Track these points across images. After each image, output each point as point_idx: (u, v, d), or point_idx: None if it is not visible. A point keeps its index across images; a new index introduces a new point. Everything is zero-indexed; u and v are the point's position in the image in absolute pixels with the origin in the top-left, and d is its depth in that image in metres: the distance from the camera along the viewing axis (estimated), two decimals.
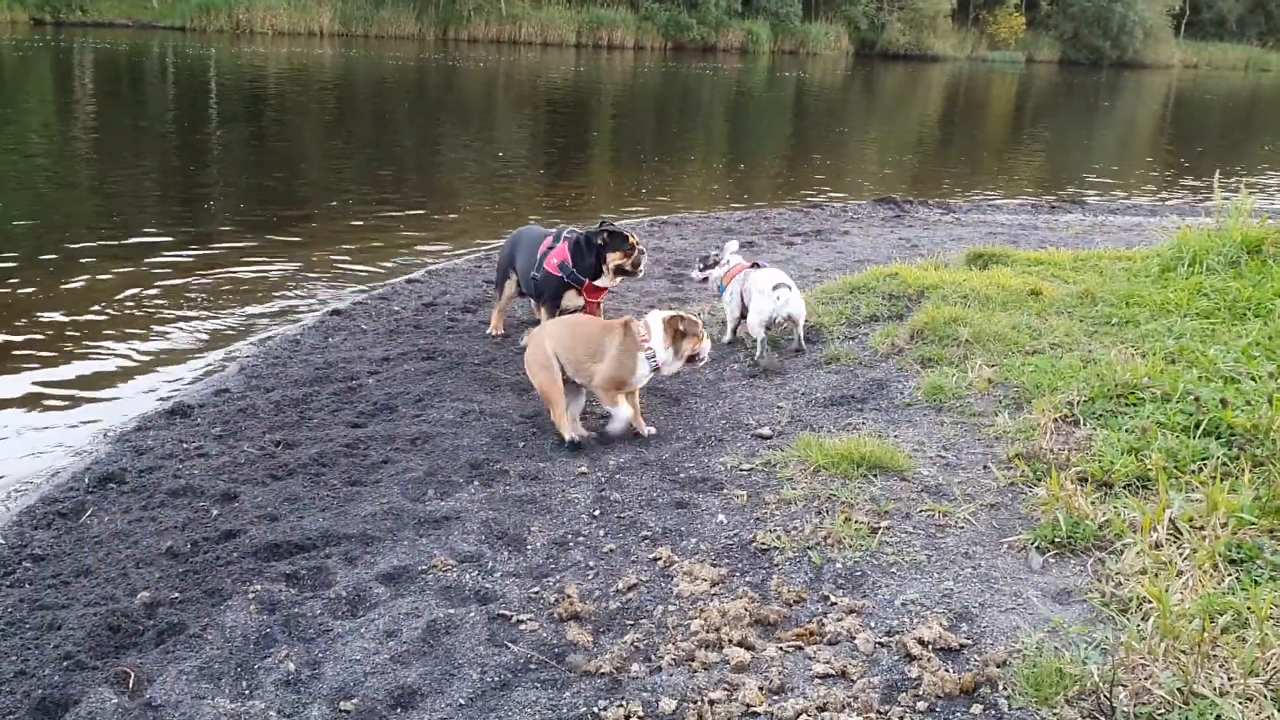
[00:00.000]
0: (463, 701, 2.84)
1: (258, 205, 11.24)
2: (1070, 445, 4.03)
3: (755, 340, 5.95)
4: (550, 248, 6.01)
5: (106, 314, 7.12)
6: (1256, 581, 2.92)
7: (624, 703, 2.76)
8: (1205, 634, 2.58)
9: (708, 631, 3.06)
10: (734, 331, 6.27)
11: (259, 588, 3.46)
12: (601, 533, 3.84)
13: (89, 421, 5.38)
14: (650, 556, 3.59)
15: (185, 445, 4.84)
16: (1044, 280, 6.60)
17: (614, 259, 5.89)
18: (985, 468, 4.06)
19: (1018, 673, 2.69)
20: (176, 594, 3.48)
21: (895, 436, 4.48)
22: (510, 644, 3.10)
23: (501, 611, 3.28)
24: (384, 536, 3.84)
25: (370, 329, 6.85)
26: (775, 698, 2.75)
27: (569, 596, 3.32)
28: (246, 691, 2.93)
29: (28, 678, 3.03)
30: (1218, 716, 2.37)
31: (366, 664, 3.02)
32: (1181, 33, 70.90)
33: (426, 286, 8.04)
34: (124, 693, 2.94)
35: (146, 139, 15.96)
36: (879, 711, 2.65)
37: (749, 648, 2.99)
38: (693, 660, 2.95)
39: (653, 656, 2.99)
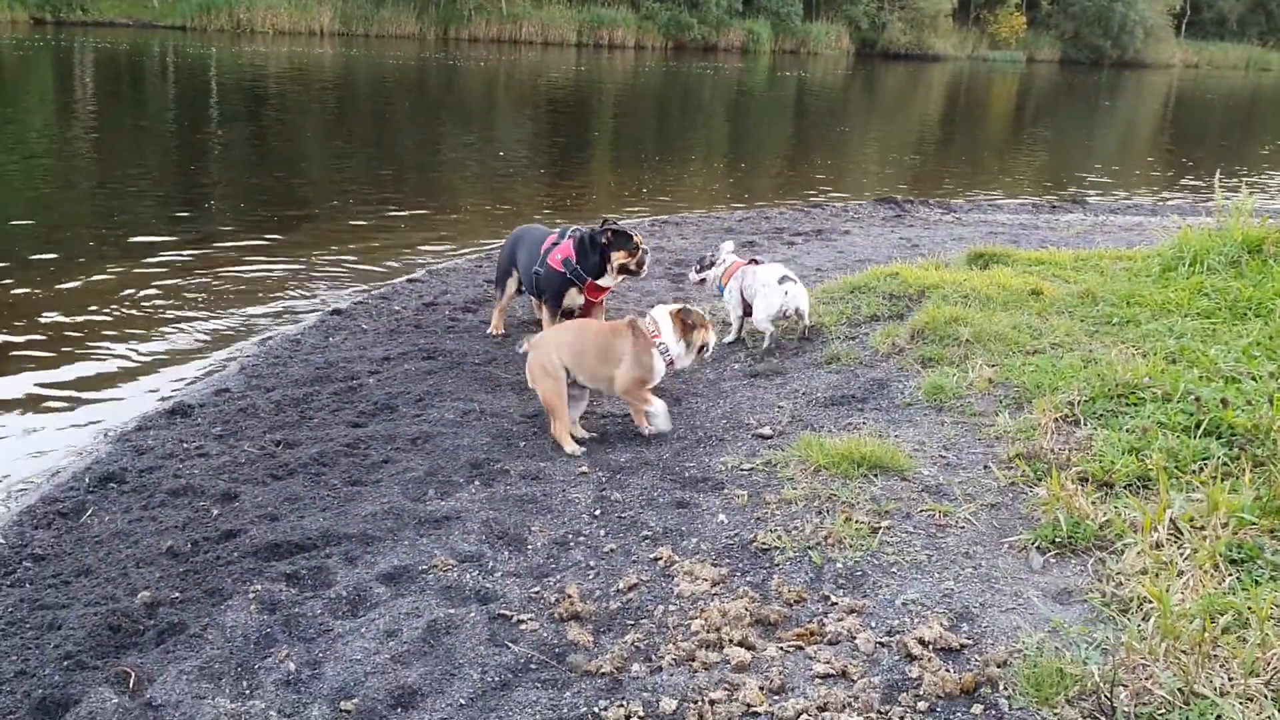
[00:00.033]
0: (463, 701, 2.84)
1: (258, 205, 11.24)
2: (1071, 445, 4.03)
3: (762, 334, 5.99)
4: (555, 244, 6.01)
5: (106, 314, 7.12)
6: (1257, 581, 2.92)
7: (624, 703, 2.76)
8: (1206, 634, 2.58)
9: (708, 631, 3.06)
10: (738, 331, 6.27)
11: (259, 587, 3.46)
12: (602, 532, 3.84)
13: (89, 421, 5.39)
14: (651, 556, 3.59)
15: (186, 445, 4.84)
16: (1045, 280, 6.60)
17: (618, 258, 5.88)
18: (986, 467, 4.06)
19: (1018, 673, 2.69)
20: (177, 594, 3.48)
21: (896, 436, 4.48)
22: (511, 644, 3.10)
23: (502, 611, 3.28)
24: (384, 536, 3.84)
25: (371, 328, 6.85)
26: (776, 698, 2.75)
27: (569, 596, 3.32)
28: (247, 691, 2.93)
29: (28, 677, 3.03)
30: (1218, 717, 2.37)
31: (367, 664, 3.02)
32: (1182, 32, 70.91)
33: (427, 286, 8.04)
34: (124, 692, 2.94)
35: (147, 138, 15.96)
36: (879, 711, 2.65)
37: (749, 647, 2.99)
38: (693, 660, 2.94)
39: (653, 656, 2.99)
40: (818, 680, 2.81)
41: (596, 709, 2.76)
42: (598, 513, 4.01)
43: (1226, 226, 6.33)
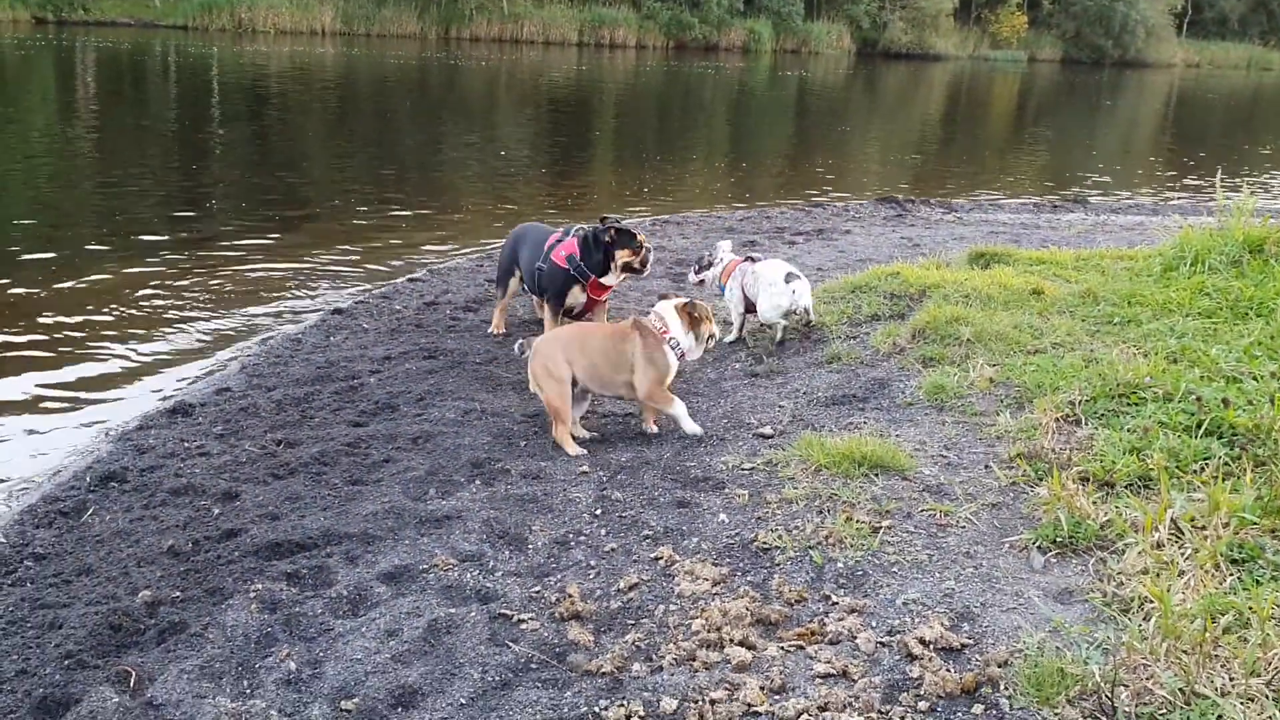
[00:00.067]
0: (463, 701, 2.84)
1: (260, 204, 11.25)
2: (1072, 445, 4.02)
3: (773, 327, 6.01)
4: (558, 241, 6.00)
5: (107, 313, 7.12)
6: (1258, 581, 2.92)
7: (625, 702, 2.76)
8: (1207, 634, 2.58)
9: (709, 631, 3.06)
10: (740, 329, 6.27)
11: (260, 587, 3.46)
12: (603, 532, 3.84)
13: (90, 421, 5.39)
14: (652, 556, 3.59)
15: (187, 444, 4.84)
16: (1046, 279, 6.59)
17: (622, 256, 5.88)
18: (987, 467, 4.06)
19: (1019, 672, 2.69)
20: (178, 593, 3.48)
21: (897, 436, 4.47)
22: (511, 643, 3.10)
23: (502, 611, 3.28)
24: (385, 535, 3.84)
25: (372, 328, 6.85)
26: (776, 697, 2.75)
27: (570, 596, 3.32)
28: (247, 690, 2.93)
29: (29, 676, 3.03)
30: (1219, 717, 2.37)
31: (367, 663, 3.02)
32: (1183, 32, 70.86)
33: (428, 285, 8.05)
34: (125, 692, 2.94)
35: (148, 138, 15.98)
36: (880, 711, 2.64)
37: (750, 647, 2.98)
38: (694, 660, 2.94)
39: (654, 656, 2.99)
40: (818, 680, 2.81)
41: (597, 709, 2.76)
42: (598, 512, 4.01)
43: (1228, 226, 6.33)
